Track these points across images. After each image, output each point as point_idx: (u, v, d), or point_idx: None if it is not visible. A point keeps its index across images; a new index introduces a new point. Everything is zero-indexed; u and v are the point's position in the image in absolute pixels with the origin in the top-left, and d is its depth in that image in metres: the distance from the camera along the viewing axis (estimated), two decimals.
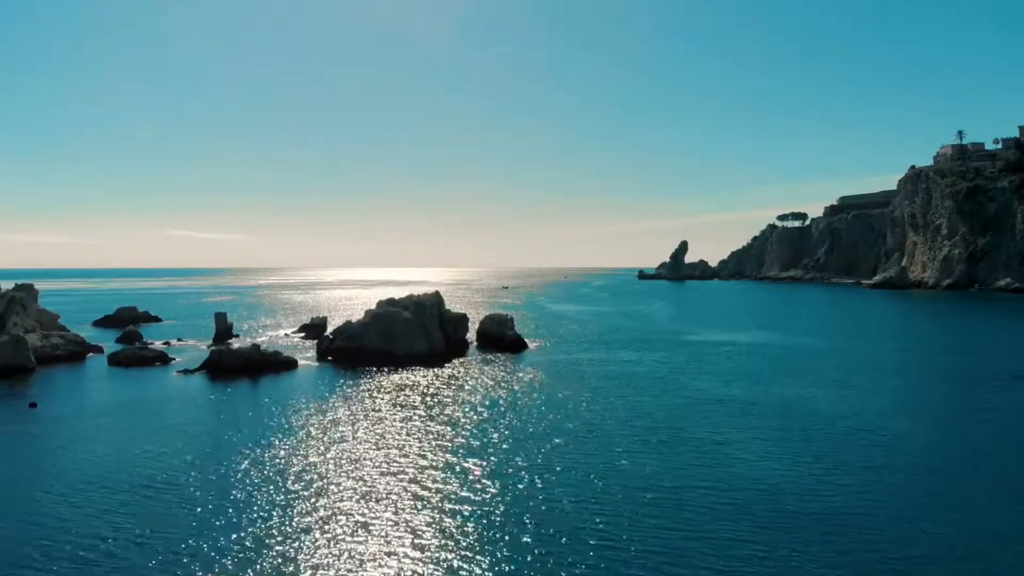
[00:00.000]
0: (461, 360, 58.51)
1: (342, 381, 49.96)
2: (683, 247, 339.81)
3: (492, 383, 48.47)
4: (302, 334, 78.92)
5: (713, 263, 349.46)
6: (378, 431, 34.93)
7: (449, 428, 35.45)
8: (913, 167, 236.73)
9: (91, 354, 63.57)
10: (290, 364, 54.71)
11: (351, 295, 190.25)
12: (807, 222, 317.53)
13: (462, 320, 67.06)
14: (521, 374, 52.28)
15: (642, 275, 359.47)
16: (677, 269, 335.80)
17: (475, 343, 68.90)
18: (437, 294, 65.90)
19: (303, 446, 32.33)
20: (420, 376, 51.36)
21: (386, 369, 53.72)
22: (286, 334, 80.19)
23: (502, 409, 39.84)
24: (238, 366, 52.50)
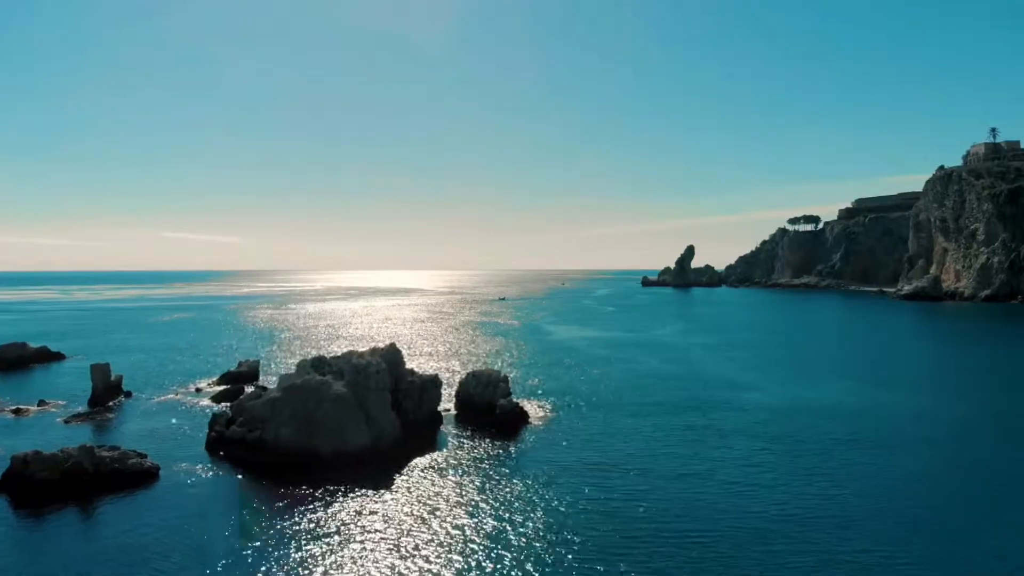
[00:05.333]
0: (422, 460, 37.76)
1: (218, 513, 29.62)
2: (690, 252, 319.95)
3: (464, 523, 28.16)
4: (222, 387, 58.37)
5: (717, 266, 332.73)
6: None
7: None
8: (942, 167, 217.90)
9: None
10: (145, 476, 34.11)
11: (327, 311, 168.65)
12: (820, 226, 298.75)
13: (429, 386, 45.62)
14: (517, 498, 31.95)
15: (646, 281, 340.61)
16: (683, 275, 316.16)
17: (453, 412, 48.43)
18: (392, 348, 44.88)
19: None
20: (349, 500, 31.10)
21: (299, 483, 33.28)
22: (198, 389, 59.31)
23: None
24: (56, 483, 32.13)
